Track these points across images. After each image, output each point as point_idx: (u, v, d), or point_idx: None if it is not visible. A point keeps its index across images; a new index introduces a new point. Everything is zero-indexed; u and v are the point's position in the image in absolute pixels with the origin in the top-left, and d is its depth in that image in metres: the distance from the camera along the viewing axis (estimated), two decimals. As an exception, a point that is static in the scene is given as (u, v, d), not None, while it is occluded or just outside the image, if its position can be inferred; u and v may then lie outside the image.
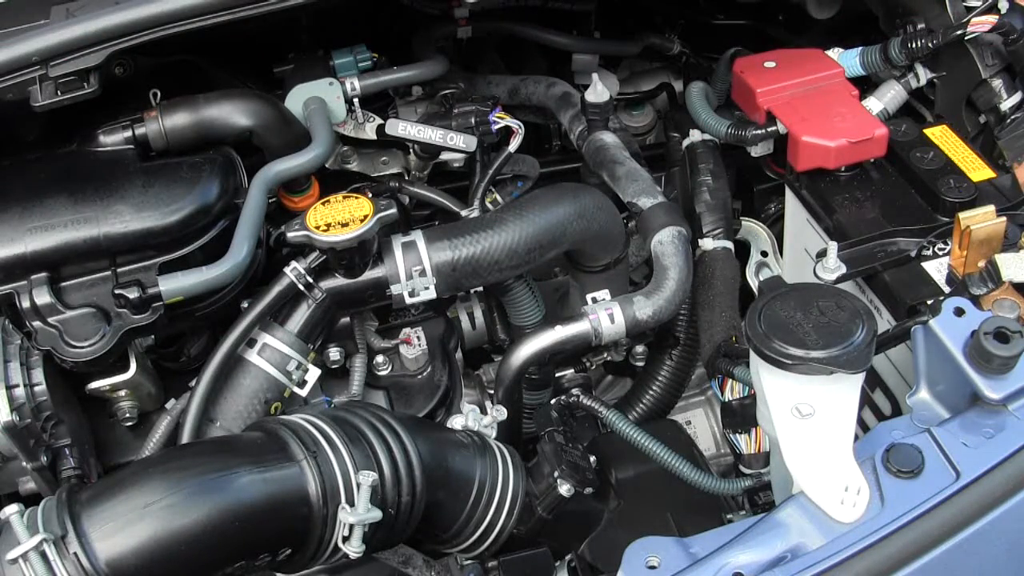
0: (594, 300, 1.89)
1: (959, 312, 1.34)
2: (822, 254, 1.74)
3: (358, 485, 1.39)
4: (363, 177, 2.18)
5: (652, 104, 2.60)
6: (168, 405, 1.81)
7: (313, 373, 1.78)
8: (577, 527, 1.69)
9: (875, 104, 2.10)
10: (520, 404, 1.89)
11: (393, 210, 1.70)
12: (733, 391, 1.75)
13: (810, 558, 1.20)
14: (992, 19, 1.93)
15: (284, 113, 1.91)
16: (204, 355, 1.78)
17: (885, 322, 1.74)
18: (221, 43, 1.85)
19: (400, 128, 2.03)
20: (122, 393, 1.77)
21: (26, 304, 1.63)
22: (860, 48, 2.10)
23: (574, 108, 2.14)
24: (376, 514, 1.40)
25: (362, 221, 1.67)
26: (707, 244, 2.00)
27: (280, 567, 1.48)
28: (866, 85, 2.16)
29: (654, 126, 2.59)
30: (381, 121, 2.09)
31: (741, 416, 1.70)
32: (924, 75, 2.08)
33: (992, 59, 2.00)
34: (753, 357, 1.37)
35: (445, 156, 2.13)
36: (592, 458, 1.67)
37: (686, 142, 2.13)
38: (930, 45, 1.99)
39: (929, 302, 1.64)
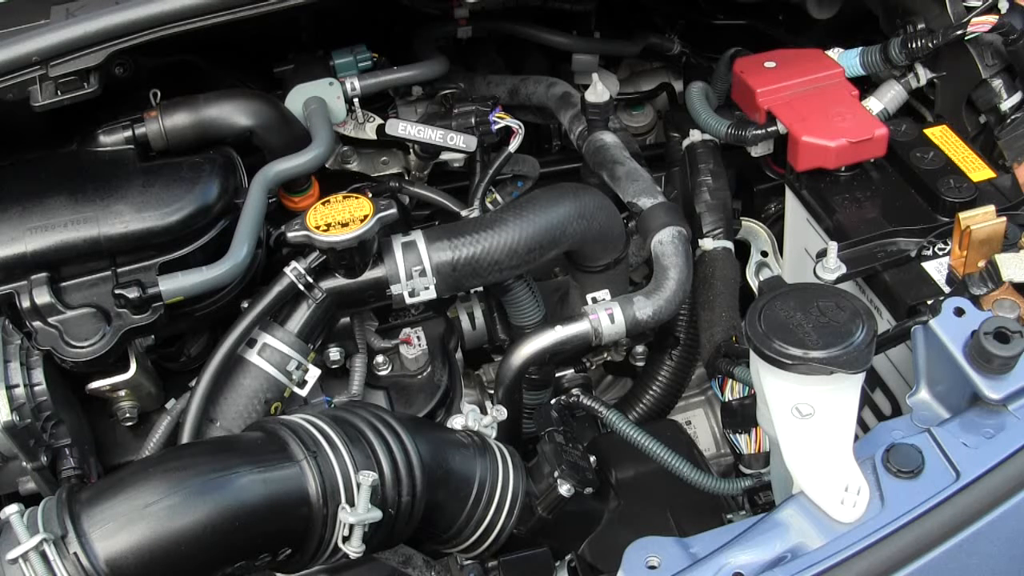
0: (594, 300, 1.89)
1: (959, 312, 1.34)
2: (822, 254, 1.74)
3: (358, 485, 1.39)
4: (363, 177, 2.18)
5: (652, 104, 2.60)
6: (168, 405, 1.80)
7: (313, 373, 1.78)
8: (577, 527, 1.69)
9: (875, 104, 2.10)
10: (520, 404, 1.89)
11: (393, 210, 1.70)
12: (733, 391, 1.75)
13: (810, 558, 1.20)
14: (992, 19, 1.93)
15: (284, 113, 1.91)
16: (204, 355, 1.78)
17: (885, 322, 1.74)
18: (221, 43, 1.85)
19: (400, 128, 2.03)
20: (122, 393, 1.77)
21: (26, 304, 1.63)
22: (860, 48, 2.10)
23: (574, 108, 2.14)
24: (376, 514, 1.40)
25: (362, 221, 1.67)
26: (707, 244, 2.00)
27: (280, 567, 1.48)
28: (866, 85, 2.16)
29: (654, 126, 2.59)
30: (381, 121, 2.09)
31: (741, 416, 1.70)
32: (924, 75, 2.08)
33: (992, 59, 2.00)
34: (753, 357, 1.37)
35: (445, 156, 2.13)
36: (592, 458, 1.68)
37: (686, 142, 2.13)
38: (930, 45, 1.99)
39: (929, 302, 1.64)
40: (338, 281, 1.76)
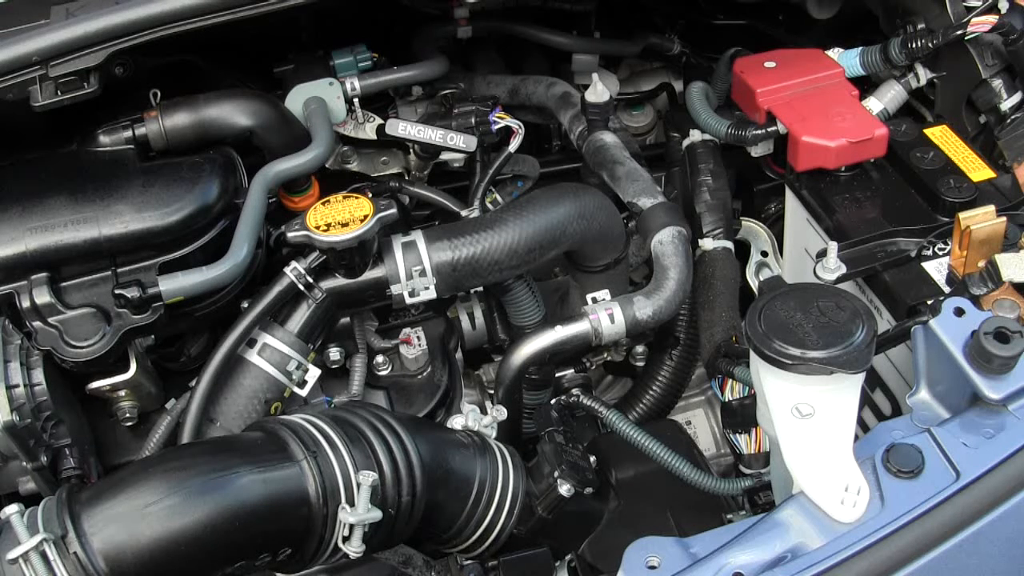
0: (594, 300, 1.89)
1: (959, 312, 1.34)
2: (822, 254, 1.74)
3: (358, 485, 1.39)
4: (363, 177, 2.18)
5: (652, 104, 2.60)
6: (168, 405, 1.81)
7: (313, 373, 1.78)
8: (577, 527, 1.69)
9: (875, 104, 2.10)
10: (520, 404, 1.89)
11: (393, 210, 1.70)
12: (733, 391, 1.75)
13: (810, 558, 1.20)
14: (992, 19, 1.93)
15: (284, 113, 1.91)
16: (204, 355, 1.78)
17: (885, 322, 1.74)
18: (221, 43, 1.85)
19: (400, 128, 2.03)
20: (122, 393, 1.77)
21: (26, 304, 1.63)
22: (860, 48, 2.10)
23: (574, 108, 2.14)
24: (376, 514, 1.40)
25: (362, 221, 1.67)
26: (707, 244, 2.00)
27: (280, 567, 1.48)
28: (866, 85, 2.16)
29: (654, 126, 2.59)
30: (381, 121, 2.09)
31: (741, 416, 1.71)
32: (924, 75, 2.08)
33: (992, 59, 2.00)
34: (753, 357, 1.37)
35: (445, 156, 2.13)
36: (592, 458, 1.68)
37: (686, 142, 2.13)
38: (930, 45, 1.99)
39: (929, 302, 1.64)
40: (338, 281, 1.76)
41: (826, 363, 1.29)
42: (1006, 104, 2.00)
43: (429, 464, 1.49)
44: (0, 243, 1.62)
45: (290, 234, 1.69)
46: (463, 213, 2.00)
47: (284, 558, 1.43)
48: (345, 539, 1.41)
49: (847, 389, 1.32)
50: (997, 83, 2.01)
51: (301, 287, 1.73)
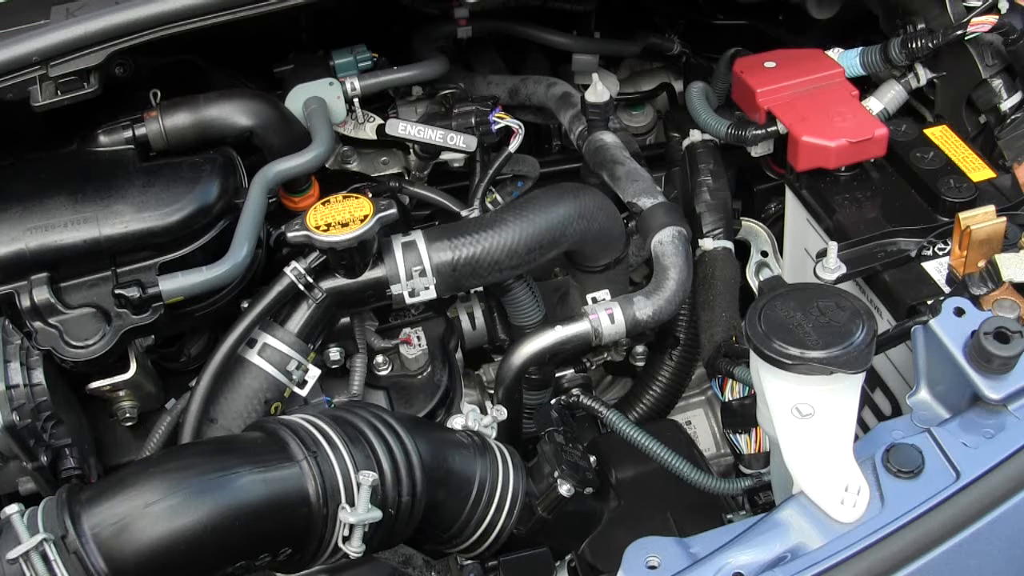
0: (594, 300, 1.89)
1: (959, 312, 1.34)
2: (822, 254, 1.74)
3: (358, 485, 1.39)
4: (363, 177, 2.18)
5: (652, 104, 2.60)
6: (168, 405, 1.81)
7: (313, 373, 1.78)
8: (577, 527, 1.69)
9: (875, 104, 2.10)
10: (520, 404, 1.89)
11: (393, 210, 1.70)
12: (733, 391, 1.75)
13: (810, 558, 1.20)
14: (992, 19, 1.93)
15: (284, 113, 1.92)
16: (204, 355, 1.78)
17: (885, 322, 1.74)
18: (221, 43, 1.85)
19: (400, 128, 2.03)
20: (122, 393, 1.77)
21: (26, 304, 1.63)
22: (860, 48, 2.10)
23: (574, 108, 2.14)
24: (376, 514, 1.40)
25: (362, 221, 1.67)
26: (707, 244, 2.00)
27: (280, 567, 1.48)
28: (866, 85, 2.16)
29: (654, 126, 2.59)
30: (381, 121, 2.09)
31: (741, 416, 1.71)
32: (924, 75, 2.08)
33: (992, 59, 2.00)
34: (753, 357, 1.37)
35: (445, 156, 2.13)
36: (592, 458, 1.68)
37: (686, 142, 2.13)
38: (930, 45, 1.99)
39: (929, 302, 1.64)
40: (338, 281, 1.76)
41: (826, 363, 1.29)
42: (1006, 104, 2.00)
43: (429, 464, 1.49)
44: (0, 243, 1.62)
45: (290, 234, 1.69)
46: (463, 213, 2.00)
47: (284, 558, 1.43)
48: (345, 539, 1.41)
49: (847, 389, 1.32)
50: (997, 83, 2.01)
51: (301, 287, 1.73)
